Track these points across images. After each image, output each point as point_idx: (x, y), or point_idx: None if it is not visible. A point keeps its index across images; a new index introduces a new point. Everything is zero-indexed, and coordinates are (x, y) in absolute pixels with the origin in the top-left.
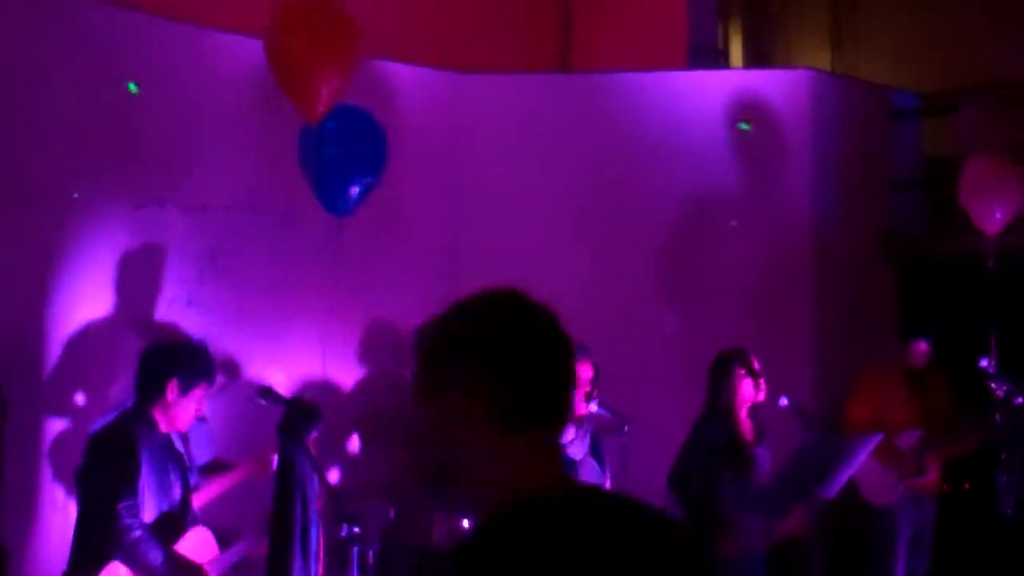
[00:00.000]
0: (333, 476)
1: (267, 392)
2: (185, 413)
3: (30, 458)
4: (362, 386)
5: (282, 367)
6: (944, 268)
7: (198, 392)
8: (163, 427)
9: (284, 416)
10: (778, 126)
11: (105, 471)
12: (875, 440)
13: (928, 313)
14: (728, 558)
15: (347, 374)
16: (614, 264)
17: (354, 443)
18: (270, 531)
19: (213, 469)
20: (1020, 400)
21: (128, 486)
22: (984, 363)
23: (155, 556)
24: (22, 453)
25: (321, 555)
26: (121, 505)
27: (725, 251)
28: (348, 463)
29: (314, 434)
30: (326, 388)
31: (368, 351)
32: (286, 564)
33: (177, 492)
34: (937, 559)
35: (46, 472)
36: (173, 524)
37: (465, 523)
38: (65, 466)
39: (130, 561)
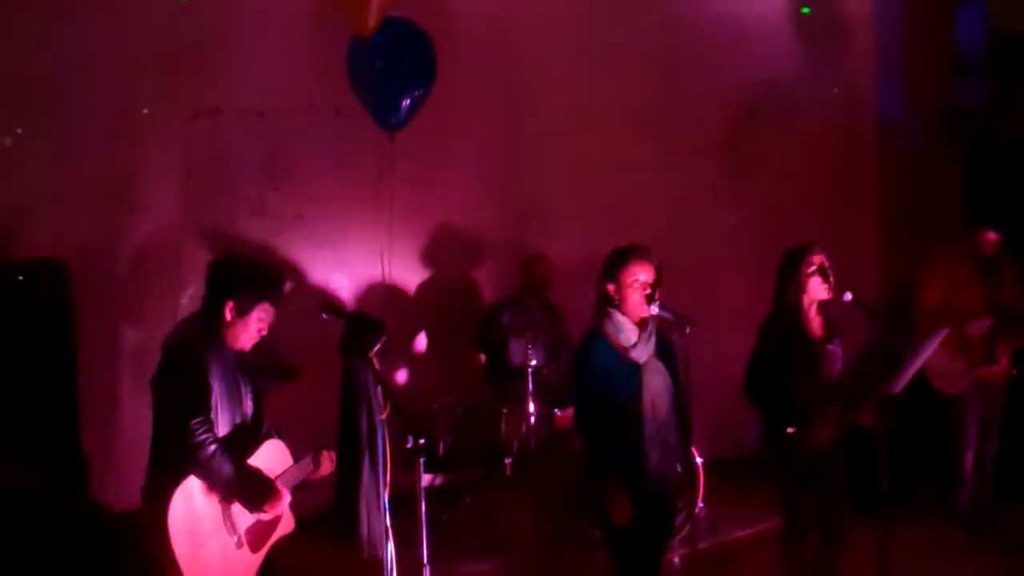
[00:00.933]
0: (402, 376)
1: (329, 306)
2: (245, 333)
3: (107, 368)
4: (426, 287)
5: (346, 271)
6: (1011, 150)
7: (257, 313)
8: (230, 343)
9: (346, 330)
10: (840, 5)
11: (176, 387)
12: (943, 334)
13: (994, 196)
14: (807, 453)
15: (411, 276)
16: (676, 157)
17: (421, 343)
18: (338, 443)
19: (282, 372)
20: None
21: (199, 402)
22: None
23: (227, 469)
24: (99, 363)
25: (388, 464)
26: (194, 421)
27: (788, 136)
28: (416, 362)
29: (377, 347)
30: (390, 291)
31: (430, 253)
32: (355, 474)
33: (249, 406)
34: (1005, 444)
35: (124, 382)
36: (247, 437)
37: (532, 417)
38: (143, 376)
39: (204, 474)
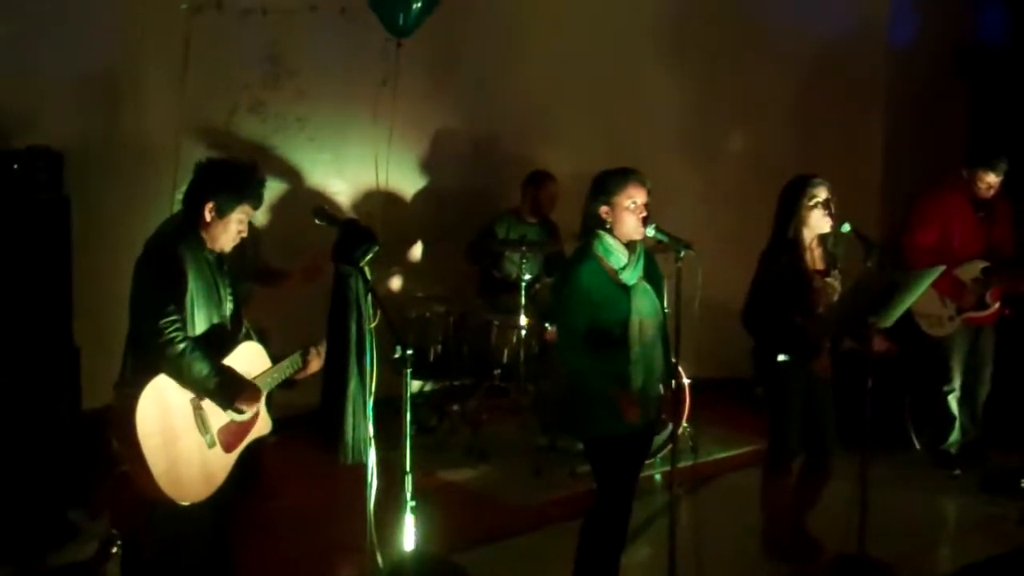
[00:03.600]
0: (395, 284)
1: (323, 213)
2: (225, 234)
3: (100, 263)
4: (423, 196)
5: (343, 176)
6: (1020, 92)
7: (237, 215)
8: (210, 244)
9: (339, 238)
10: None
11: (150, 285)
12: (938, 270)
13: (1001, 136)
14: (798, 382)
15: (408, 184)
16: (682, 79)
17: (416, 252)
18: (326, 350)
19: (267, 276)
20: None
21: (170, 301)
22: None
23: (200, 368)
24: (92, 257)
25: (375, 372)
26: (164, 320)
27: (793, 62)
28: (411, 271)
29: (369, 256)
30: (388, 199)
31: (429, 162)
32: (342, 380)
33: (228, 307)
34: (998, 385)
35: (117, 278)
36: (224, 338)
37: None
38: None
39: (175, 374)
